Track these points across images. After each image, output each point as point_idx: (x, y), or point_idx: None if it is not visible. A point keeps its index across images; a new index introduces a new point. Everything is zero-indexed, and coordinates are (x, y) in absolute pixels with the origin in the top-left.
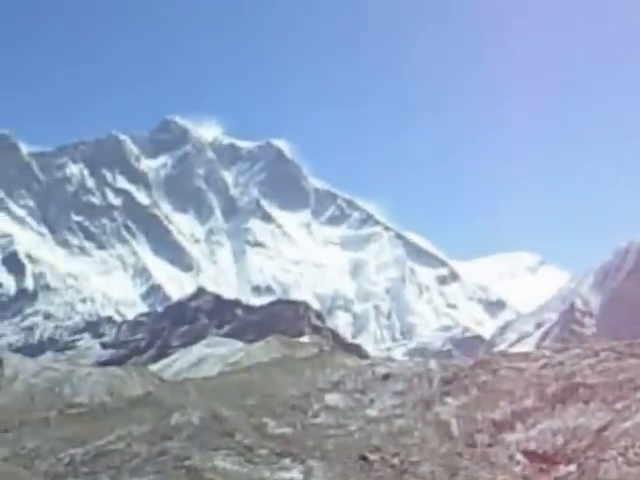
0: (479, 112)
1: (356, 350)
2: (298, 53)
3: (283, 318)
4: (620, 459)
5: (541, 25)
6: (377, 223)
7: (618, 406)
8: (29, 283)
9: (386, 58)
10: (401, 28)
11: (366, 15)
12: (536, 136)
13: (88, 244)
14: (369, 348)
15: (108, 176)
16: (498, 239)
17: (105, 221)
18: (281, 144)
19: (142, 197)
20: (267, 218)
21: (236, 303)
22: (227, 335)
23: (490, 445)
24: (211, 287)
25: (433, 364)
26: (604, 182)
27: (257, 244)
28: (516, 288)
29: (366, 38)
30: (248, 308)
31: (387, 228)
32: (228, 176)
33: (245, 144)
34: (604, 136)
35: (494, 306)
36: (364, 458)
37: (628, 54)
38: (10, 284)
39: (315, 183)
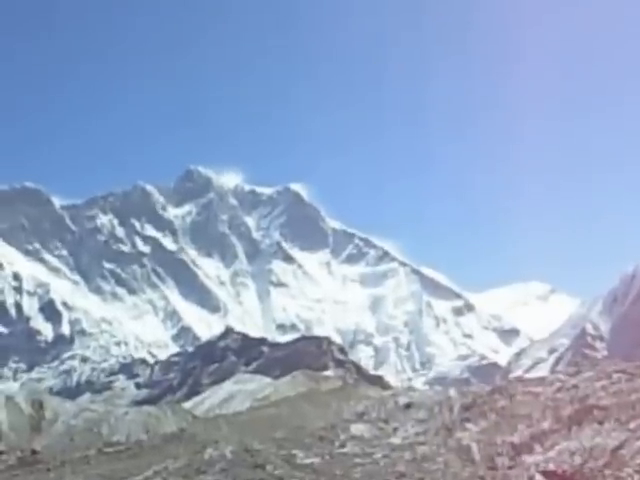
0: (488, 151)
1: (378, 381)
2: (310, 98)
3: (307, 353)
4: (636, 476)
5: (559, 60)
6: (393, 260)
7: (632, 425)
8: (66, 329)
9: (401, 99)
10: (415, 69)
11: (381, 57)
12: (543, 168)
13: (120, 290)
14: (391, 379)
15: (136, 225)
16: (509, 270)
17: (135, 267)
18: (299, 188)
19: (169, 243)
20: (288, 259)
21: (262, 341)
22: (255, 372)
23: (510, 467)
24: (238, 327)
25: (452, 392)
26: (609, 210)
27: (280, 284)
28: (529, 316)
29: (380, 81)
30: (274, 345)
31: (403, 264)
32: (250, 221)
33: (265, 190)
34: (609, 165)
35: (508, 334)
36: None
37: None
38: (48, 331)
39: (333, 224)
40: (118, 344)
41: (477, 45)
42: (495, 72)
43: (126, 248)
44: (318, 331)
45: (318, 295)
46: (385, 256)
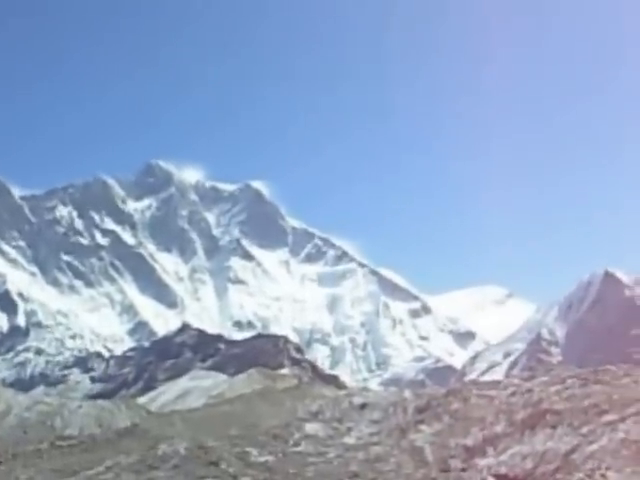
0: (448, 156)
1: (334, 381)
2: (273, 96)
3: (264, 351)
4: None
5: (524, 64)
6: (352, 260)
7: (584, 430)
8: (21, 320)
9: (362, 100)
10: (381, 72)
11: (347, 58)
12: (502, 174)
13: (77, 283)
14: (346, 379)
15: (96, 218)
16: (467, 274)
17: (93, 260)
18: (259, 186)
19: (128, 237)
20: (247, 257)
21: (219, 338)
22: (211, 368)
23: (463, 470)
24: (195, 323)
25: (407, 393)
26: (567, 217)
27: (238, 281)
28: (485, 320)
29: (344, 81)
30: (230, 342)
31: (361, 265)
32: (210, 217)
33: (226, 186)
34: (566, 172)
35: (464, 337)
36: None
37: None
38: (3, 322)
39: (292, 222)
40: (73, 337)
41: (446, 46)
42: (462, 78)
43: (85, 241)
44: (275, 329)
45: (276, 293)
46: (344, 256)
